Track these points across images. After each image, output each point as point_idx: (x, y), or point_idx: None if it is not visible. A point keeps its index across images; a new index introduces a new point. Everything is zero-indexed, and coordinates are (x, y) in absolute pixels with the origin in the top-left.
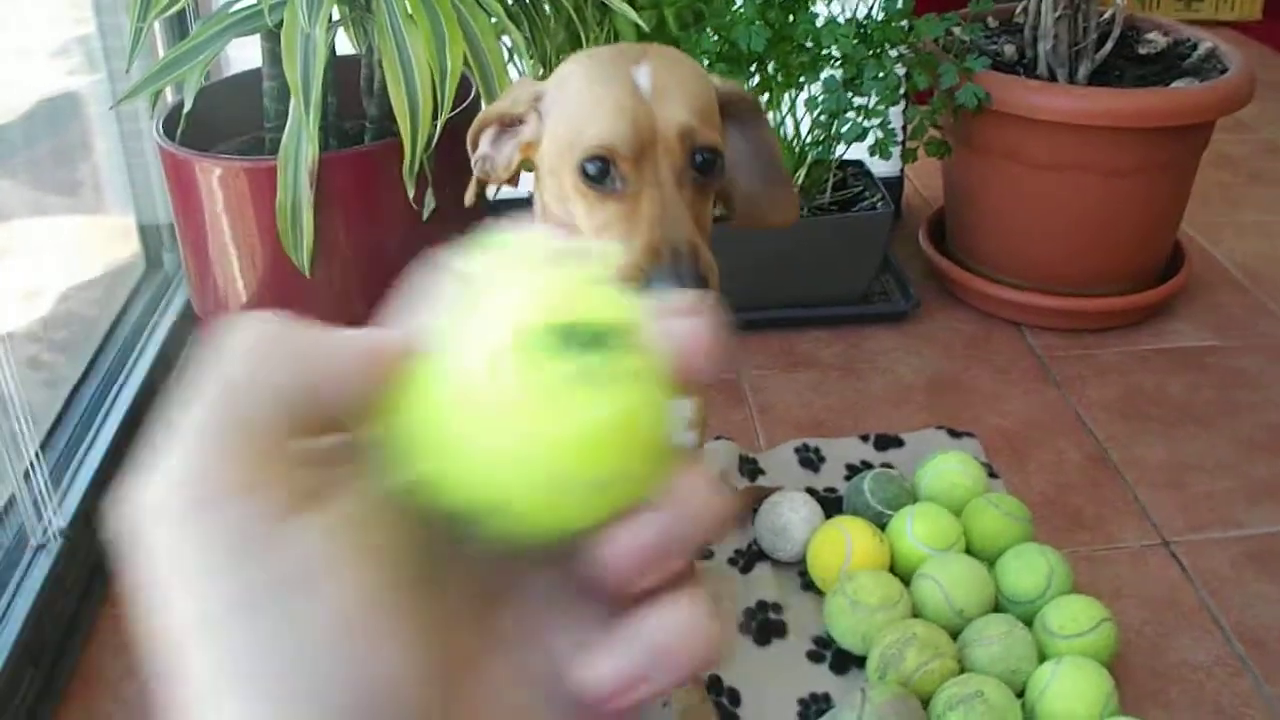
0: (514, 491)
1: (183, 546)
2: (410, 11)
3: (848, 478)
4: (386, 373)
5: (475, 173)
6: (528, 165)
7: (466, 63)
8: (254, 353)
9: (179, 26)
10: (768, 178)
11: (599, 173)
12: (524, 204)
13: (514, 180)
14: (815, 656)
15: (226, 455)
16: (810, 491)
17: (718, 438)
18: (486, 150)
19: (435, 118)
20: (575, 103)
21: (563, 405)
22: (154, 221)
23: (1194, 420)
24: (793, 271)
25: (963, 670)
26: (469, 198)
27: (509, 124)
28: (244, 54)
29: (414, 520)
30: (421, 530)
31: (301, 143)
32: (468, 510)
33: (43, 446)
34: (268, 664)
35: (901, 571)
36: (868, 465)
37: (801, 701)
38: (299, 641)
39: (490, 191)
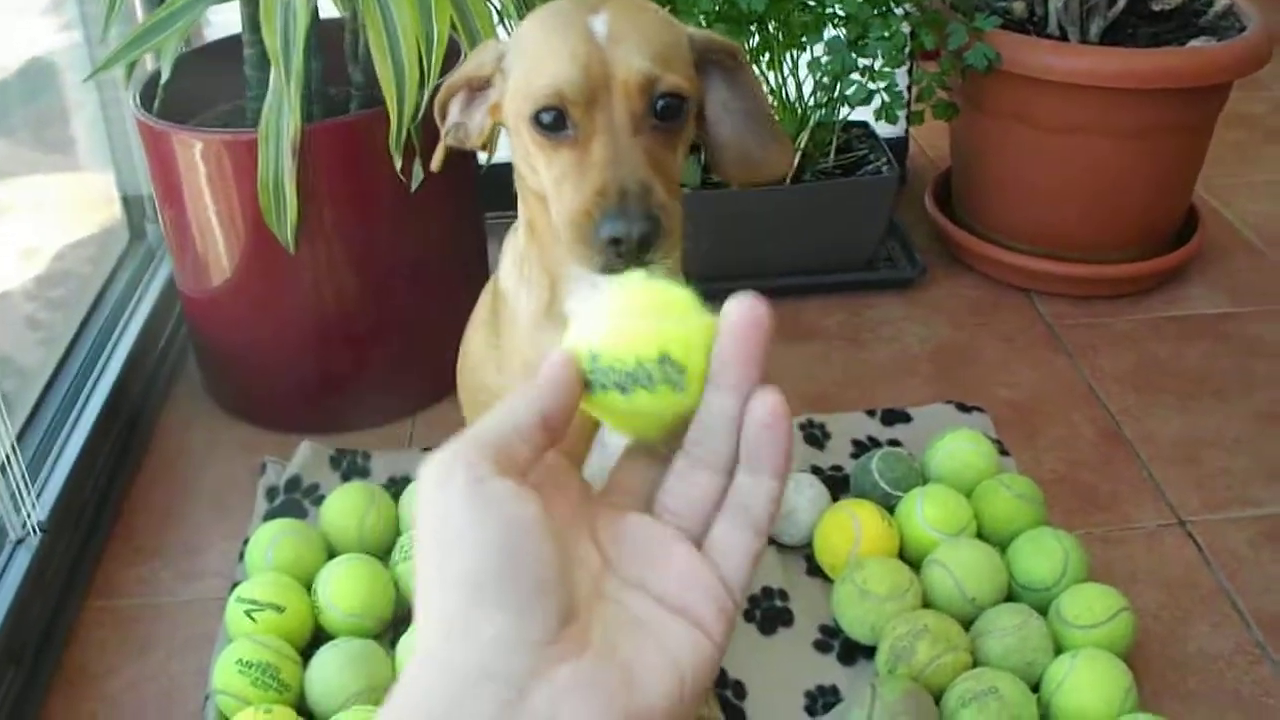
0: (634, 340)
1: (433, 490)
2: None
3: (854, 455)
4: (564, 383)
5: (447, 140)
6: (509, 128)
7: (454, 26)
8: (502, 406)
9: None
10: (756, 128)
11: (553, 122)
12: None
13: (487, 145)
14: (822, 646)
15: (470, 449)
16: (816, 470)
17: None
18: (457, 118)
19: (422, 86)
20: (530, 55)
21: (640, 286)
22: (137, 192)
23: (1209, 392)
24: (795, 237)
25: (975, 662)
26: (435, 163)
27: (478, 88)
28: (226, 19)
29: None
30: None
31: (283, 115)
32: (630, 369)
33: (19, 438)
34: (463, 562)
35: (911, 555)
36: (874, 441)
37: (808, 694)
38: (481, 550)
39: (482, 159)
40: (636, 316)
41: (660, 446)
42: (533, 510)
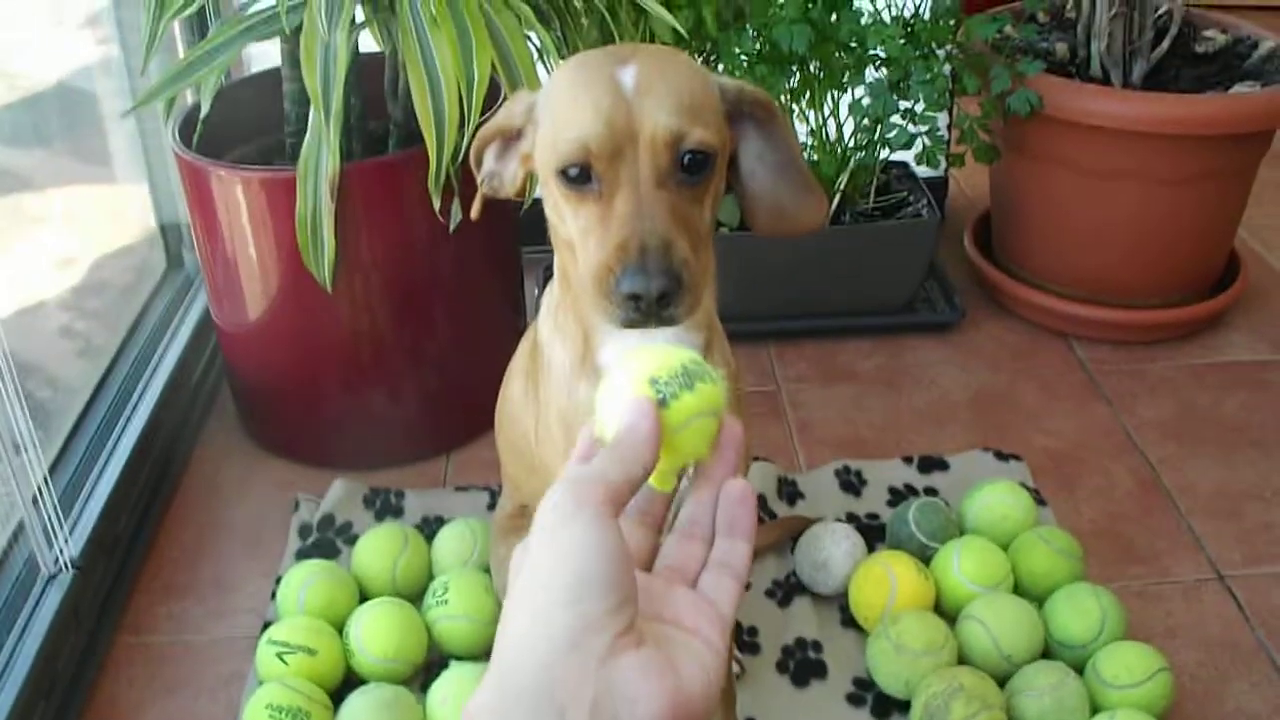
0: (671, 355)
1: (567, 515)
2: (435, 14)
3: (890, 503)
4: (650, 437)
5: (483, 190)
6: (539, 178)
7: (494, 68)
8: (613, 457)
9: (198, 22)
10: (790, 180)
11: (579, 176)
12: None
13: (522, 194)
14: (856, 700)
15: (597, 491)
16: (851, 518)
17: (756, 458)
18: (492, 167)
19: (463, 127)
20: (557, 108)
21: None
22: (175, 220)
23: (1251, 443)
24: (833, 279)
25: None
26: (474, 213)
27: (510, 138)
28: (265, 49)
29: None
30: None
31: (322, 154)
32: (686, 367)
33: (51, 473)
34: (580, 567)
35: (947, 609)
36: (911, 489)
37: None
38: (596, 563)
39: (526, 203)
40: (653, 349)
41: (708, 457)
42: (626, 543)
